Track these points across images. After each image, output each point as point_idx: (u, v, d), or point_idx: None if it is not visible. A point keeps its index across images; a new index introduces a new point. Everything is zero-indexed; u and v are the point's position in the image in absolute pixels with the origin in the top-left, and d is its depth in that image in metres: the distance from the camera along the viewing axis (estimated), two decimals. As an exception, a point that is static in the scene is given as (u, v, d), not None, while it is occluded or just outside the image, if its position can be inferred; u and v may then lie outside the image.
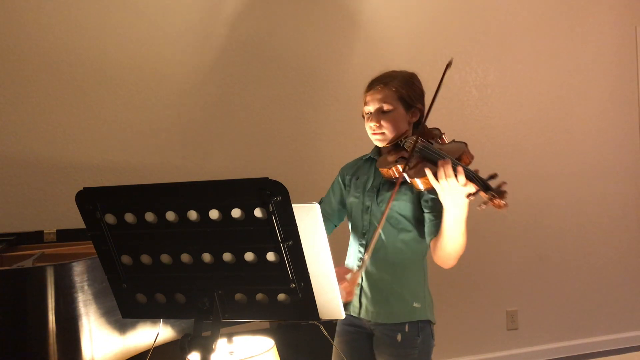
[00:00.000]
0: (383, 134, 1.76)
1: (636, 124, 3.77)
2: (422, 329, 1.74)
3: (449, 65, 1.68)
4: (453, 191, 1.46)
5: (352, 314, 1.82)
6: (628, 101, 3.74)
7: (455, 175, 1.43)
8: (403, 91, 1.77)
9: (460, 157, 1.52)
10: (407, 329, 1.72)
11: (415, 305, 1.74)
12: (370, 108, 1.79)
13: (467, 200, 1.45)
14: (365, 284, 1.78)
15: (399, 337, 1.72)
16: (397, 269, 1.75)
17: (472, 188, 1.41)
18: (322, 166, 3.17)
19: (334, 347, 1.88)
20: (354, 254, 1.84)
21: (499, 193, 1.37)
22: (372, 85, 1.81)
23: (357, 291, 1.79)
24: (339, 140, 3.18)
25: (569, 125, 3.63)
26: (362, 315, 1.79)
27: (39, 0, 2.75)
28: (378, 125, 1.75)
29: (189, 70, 2.96)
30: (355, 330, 1.84)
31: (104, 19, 2.83)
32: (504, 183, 1.41)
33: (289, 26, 3.12)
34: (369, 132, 1.81)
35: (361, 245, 1.81)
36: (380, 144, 1.80)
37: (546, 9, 3.55)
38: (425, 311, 1.75)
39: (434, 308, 1.82)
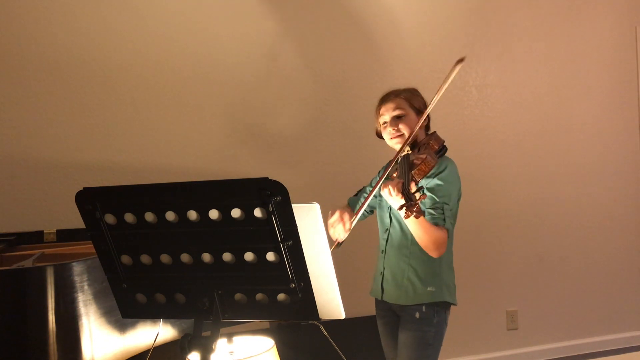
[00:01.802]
0: (402, 135, 1.98)
1: (636, 124, 3.76)
2: (438, 312, 1.95)
3: (459, 61, 1.83)
4: (392, 203, 1.78)
5: (376, 297, 2.09)
6: (628, 101, 3.74)
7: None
8: (412, 99, 2.02)
9: (418, 167, 1.83)
10: (424, 309, 1.94)
11: (429, 289, 1.94)
12: (386, 117, 2.02)
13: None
14: (386, 272, 2.02)
15: (417, 315, 1.94)
16: (412, 258, 1.95)
17: (402, 201, 1.69)
18: (323, 166, 3.17)
19: (378, 327, 2.16)
20: (380, 247, 2.09)
21: (407, 207, 1.66)
22: (384, 99, 2.06)
23: (379, 278, 2.05)
24: (339, 140, 3.18)
25: (569, 125, 3.62)
26: (385, 298, 2.03)
27: (39, 0, 2.75)
28: (396, 129, 1.98)
29: (189, 71, 2.96)
30: (389, 314, 2.09)
31: (104, 19, 2.83)
32: (423, 196, 1.72)
33: (289, 26, 3.12)
34: (387, 137, 2.03)
35: (383, 239, 2.06)
36: (399, 146, 2.00)
37: (546, 9, 3.55)
38: (441, 294, 1.95)
39: (455, 291, 2.02)
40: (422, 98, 2.07)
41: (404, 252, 1.97)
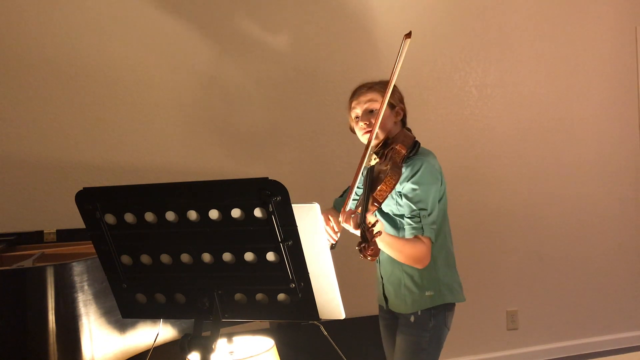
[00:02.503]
0: (372, 131, 1.82)
1: (636, 124, 3.76)
2: (435, 315, 1.88)
3: (407, 36, 1.67)
4: (353, 232, 1.63)
5: (382, 305, 2.03)
6: (628, 101, 3.74)
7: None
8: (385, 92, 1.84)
9: (380, 187, 1.65)
10: (419, 313, 1.88)
11: (428, 293, 1.87)
12: (358, 111, 1.90)
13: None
14: (385, 281, 1.96)
15: (412, 319, 1.89)
16: (405, 265, 1.84)
17: (358, 233, 1.54)
18: (323, 166, 3.17)
19: (380, 328, 2.11)
20: None
21: (360, 250, 1.50)
22: (357, 91, 1.94)
23: (380, 287, 1.99)
24: (339, 140, 3.18)
25: (569, 125, 3.62)
26: (391, 307, 1.97)
27: (40, 0, 2.75)
28: (368, 123, 1.85)
29: (189, 71, 2.96)
30: (390, 316, 2.04)
31: (104, 19, 2.83)
32: (378, 234, 1.53)
33: (289, 26, 3.12)
34: (359, 133, 1.90)
35: None
36: (366, 140, 1.86)
37: (546, 8, 3.55)
38: (441, 296, 1.88)
39: (461, 288, 1.97)
40: (398, 92, 1.93)
41: (395, 260, 1.85)
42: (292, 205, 1.12)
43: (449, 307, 1.93)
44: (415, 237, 1.76)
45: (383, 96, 1.82)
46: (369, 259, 1.50)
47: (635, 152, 3.76)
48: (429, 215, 1.77)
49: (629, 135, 3.75)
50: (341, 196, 2.17)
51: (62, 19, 2.78)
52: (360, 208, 1.60)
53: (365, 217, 1.53)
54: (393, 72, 1.70)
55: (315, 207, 1.29)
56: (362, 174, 1.83)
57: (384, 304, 2.01)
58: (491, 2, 3.45)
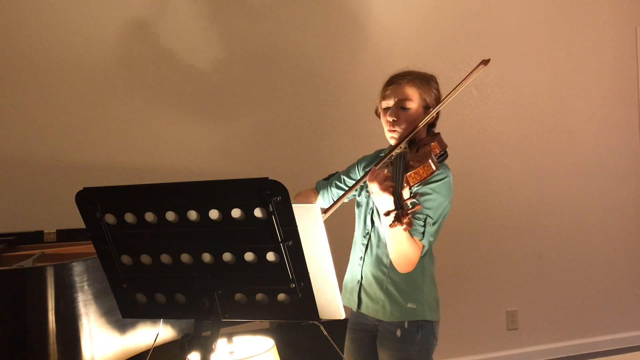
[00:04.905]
0: (397, 131, 1.74)
1: (636, 124, 3.76)
2: (422, 327, 1.76)
3: (484, 63, 1.60)
4: (378, 202, 1.56)
5: (351, 307, 1.88)
6: (628, 101, 3.74)
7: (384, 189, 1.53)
8: (425, 90, 1.76)
9: (415, 171, 1.58)
10: (406, 325, 1.76)
11: (409, 305, 1.75)
12: (390, 102, 1.76)
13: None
14: (364, 282, 1.83)
15: (398, 333, 1.76)
16: (391, 270, 1.76)
17: (390, 205, 1.47)
18: (323, 166, 3.16)
19: (345, 342, 1.95)
20: (357, 252, 1.88)
21: (396, 217, 1.44)
22: (395, 79, 1.78)
23: (357, 287, 1.85)
24: (339, 140, 3.18)
25: (569, 124, 3.62)
26: (363, 310, 1.84)
27: (40, 0, 2.75)
28: (397, 119, 1.73)
29: (189, 71, 2.96)
30: (361, 328, 1.90)
31: (104, 19, 2.83)
32: (418, 206, 1.48)
33: (289, 26, 3.11)
34: (385, 127, 1.79)
35: (362, 244, 1.86)
36: (394, 142, 1.77)
37: (546, 9, 3.55)
38: (422, 312, 1.76)
39: (438, 306, 1.83)
40: (438, 91, 1.80)
41: (383, 261, 1.77)
42: (292, 205, 1.12)
43: (432, 320, 1.82)
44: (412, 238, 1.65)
45: (420, 95, 1.74)
46: (404, 227, 1.42)
47: (635, 152, 3.76)
48: (432, 224, 1.68)
49: (629, 135, 3.75)
50: (326, 179, 2.07)
51: (63, 18, 2.77)
52: (393, 181, 1.54)
53: (401, 189, 1.49)
54: (451, 92, 1.64)
55: (316, 207, 1.28)
56: (391, 157, 1.73)
57: (354, 306, 1.86)
58: (491, 2, 3.45)
